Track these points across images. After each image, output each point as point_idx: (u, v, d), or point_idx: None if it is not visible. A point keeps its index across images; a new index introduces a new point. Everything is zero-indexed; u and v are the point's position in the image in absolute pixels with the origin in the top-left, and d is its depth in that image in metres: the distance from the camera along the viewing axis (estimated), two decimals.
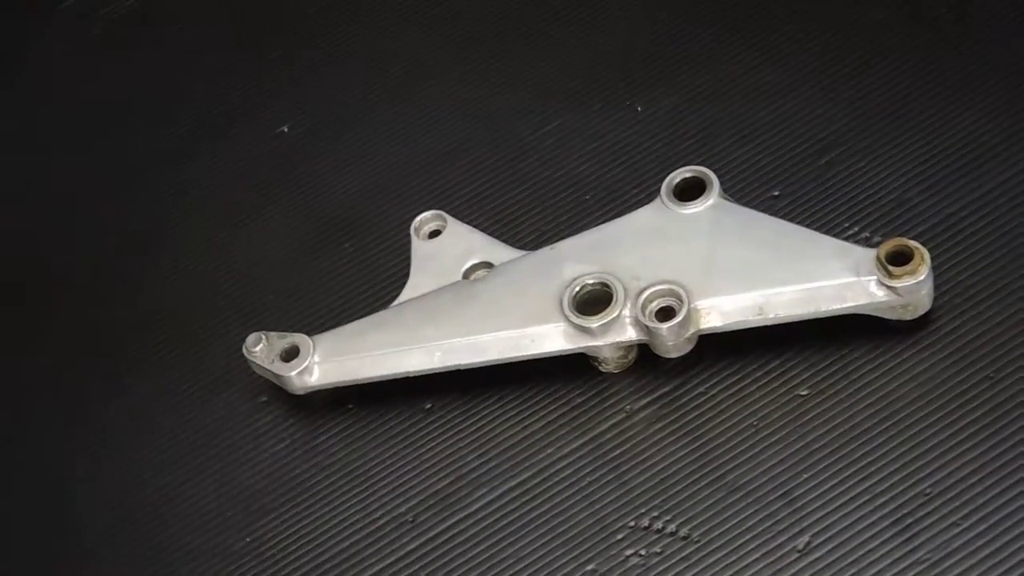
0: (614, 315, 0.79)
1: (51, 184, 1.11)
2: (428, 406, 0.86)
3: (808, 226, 0.82)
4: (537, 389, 0.84)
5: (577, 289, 0.81)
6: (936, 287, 0.78)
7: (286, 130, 1.06)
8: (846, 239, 0.83)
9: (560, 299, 0.81)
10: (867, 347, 0.79)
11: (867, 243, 0.82)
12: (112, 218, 1.06)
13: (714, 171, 0.83)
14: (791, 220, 0.84)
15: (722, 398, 0.80)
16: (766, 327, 0.78)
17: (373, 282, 0.94)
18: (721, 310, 0.78)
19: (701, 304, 0.79)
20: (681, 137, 0.95)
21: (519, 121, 1.00)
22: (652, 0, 1.04)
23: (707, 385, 0.81)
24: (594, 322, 0.80)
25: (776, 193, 0.89)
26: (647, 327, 0.78)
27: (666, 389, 0.82)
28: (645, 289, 0.80)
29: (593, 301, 0.81)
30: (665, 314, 0.79)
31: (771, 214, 0.85)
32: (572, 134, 0.98)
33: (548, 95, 1.01)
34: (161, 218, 1.05)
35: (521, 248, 0.88)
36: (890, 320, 0.78)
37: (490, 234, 0.91)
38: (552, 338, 0.81)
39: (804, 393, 0.79)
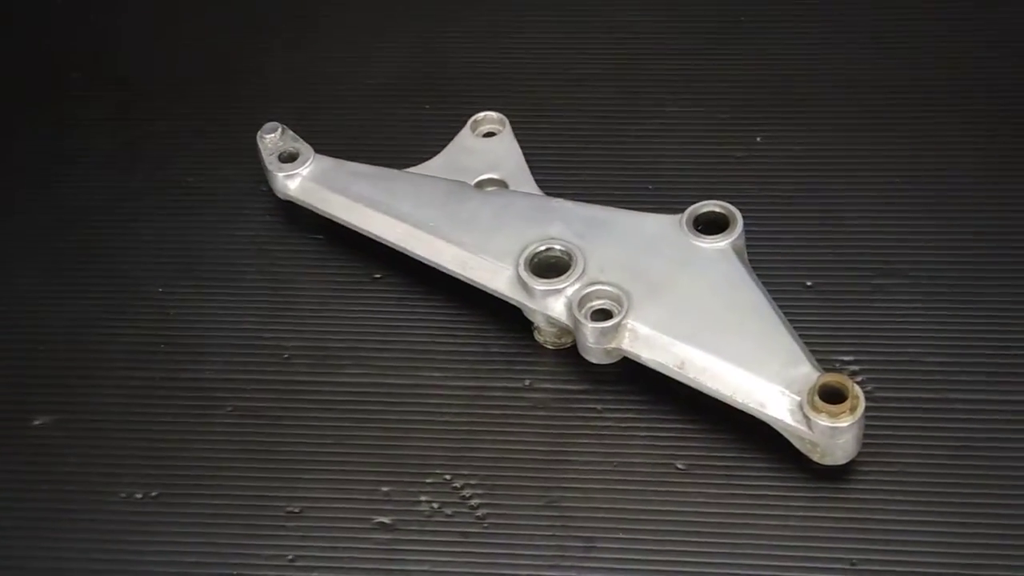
0: (557, 288, 0.76)
1: None
2: (377, 275, 0.86)
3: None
4: (470, 318, 0.82)
5: (542, 248, 0.78)
6: (874, 452, 0.72)
7: None
8: (829, 361, 0.77)
9: (523, 248, 0.78)
10: (773, 466, 0.73)
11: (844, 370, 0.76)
12: None
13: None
14: (800, 311, 0.79)
15: (601, 424, 0.76)
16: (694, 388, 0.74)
17: (424, 144, 0.92)
18: (648, 342, 0.74)
19: (636, 327, 0.74)
20: (774, 173, 0.90)
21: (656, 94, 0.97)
22: None
23: (592, 402, 0.77)
24: (537, 284, 0.77)
25: (809, 283, 0.83)
26: (575, 317, 0.75)
27: (558, 385, 0.78)
28: (598, 283, 0.76)
29: (550, 267, 0.78)
30: (599, 315, 0.75)
31: (791, 300, 0.80)
32: (680, 125, 0.94)
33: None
34: None
35: (545, 189, 0.86)
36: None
37: (539, 166, 0.89)
38: (497, 277, 0.79)
39: (680, 467, 0.74)
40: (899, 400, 0.76)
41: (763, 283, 0.81)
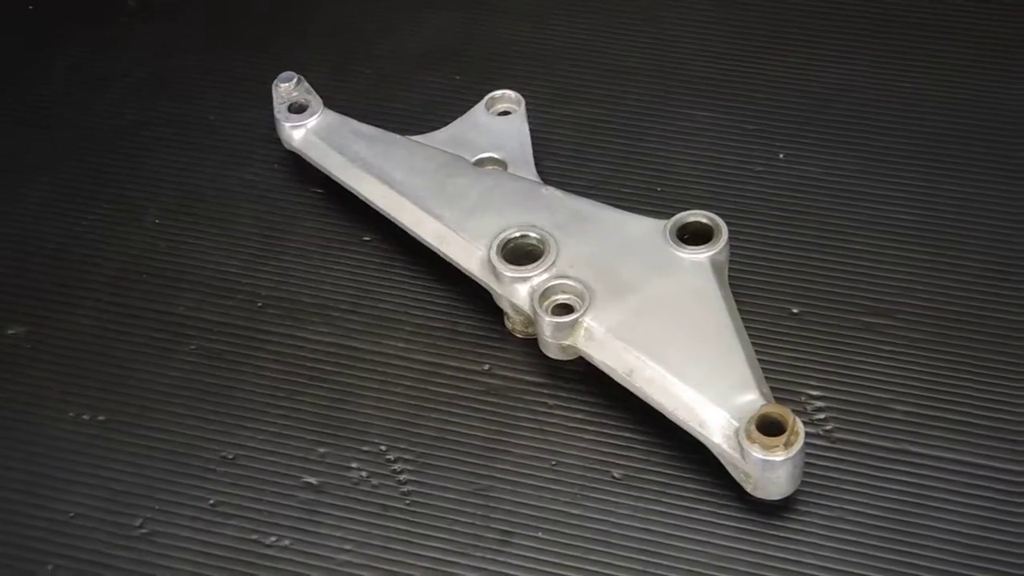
0: (524, 276, 0.75)
1: None
2: (367, 238, 0.86)
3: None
4: (445, 294, 0.82)
5: (517, 235, 0.77)
6: (817, 493, 0.69)
7: None
8: (794, 392, 0.74)
9: (499, 231, 0.77)
10: (709, 490, 0.71)
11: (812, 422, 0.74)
12: None
13: None
14: (779, 338, 0.77)
15: (547, 420, 0.75)
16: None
17: (445, 115, 0.90)
18: (601, 344, 0.72)
19: (593, 327, 0.72)
20: (787, 193, 0.86)
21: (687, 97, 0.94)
22: None
23: (545, 396, 0.76)
24: (505, 270, 0.75)
25: (795, 311, 0.80)
26: (535, 308, 0.74)
27: (516, 375, 0.77)
28: (565, 277, 0.74)
29: (524, 254, 0.76)
30: (559, 309, 0.74)
31: (773, 324, 0.78)
32: (704, 131, 0.91)
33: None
34: None
35: (545, 179, 0.84)
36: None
37: (552, 152, 0.88)
38: (470, 256, 0.78)
39: (616, 476, 0.72)
40: (856, 444, 0.73)
41: (749, 303, 0.80)
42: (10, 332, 0.82)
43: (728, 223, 0.79)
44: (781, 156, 0.89)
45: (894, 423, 0.74)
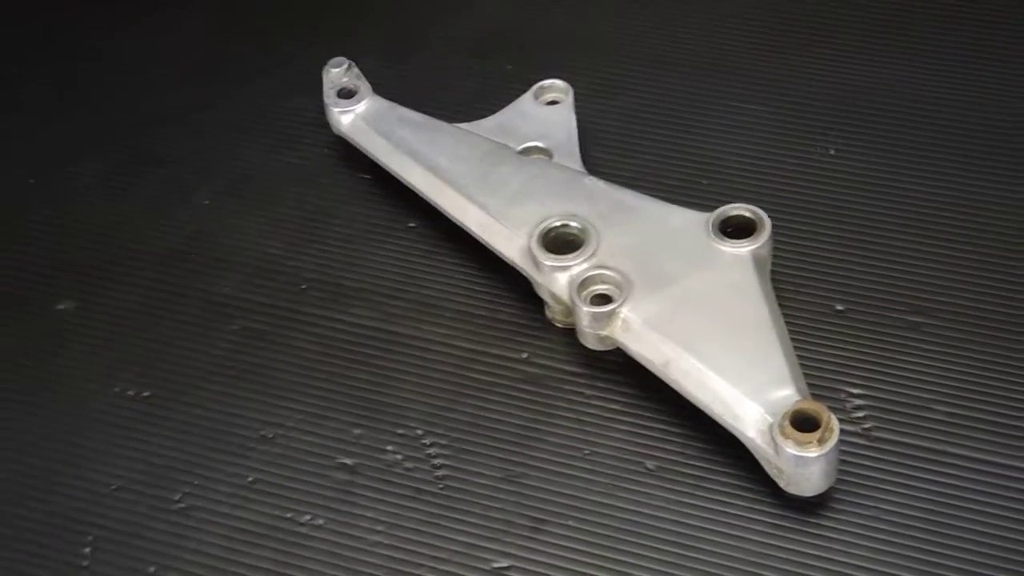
0: (564, 265, 0.75)
1: None
2: (412, 224, 0.86)
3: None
4: (487, 282, 0.82)
5: (558, 224, 0.77)
6: (853, 491, 0.69)
7: None
8: (835, 391, 0.74)
9: (541, 220, 0.77)
10: (743, 484, 0.71)
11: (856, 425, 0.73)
12: None
13: None
14: (822, 335, 0.76)
15: (583, 410, 0.75)
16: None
17: (494, 103, 0.90)
18: (638, 335, 0.72)
19: (631, 318, 0.72)
20: (836, 189, 0.85)
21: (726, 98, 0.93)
22: None
23: (582, 386, 0.76)
24: (545, 259, 0.75)
25: (839, 308, 0.79)
26: (573, 297, 0.74)
27: (554, 363, 0.77)
28: (605, 267, 0.74)
29: (565, 244, 0.76)
30: (598, 299, 0.74)
31: (816, 321, 0.77)
32: (754, 125, 0.90)
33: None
34: None
35: (590, 168, 0.84)
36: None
37: (599, 143, 0.88)
38: (512, 245, 0.78)
39: (650, 467, 0.72)
40: (895, 444, 0.72)
41: (793, 299, 0.79)
42: (59, 307, 0.83)
43: (774, 218, 0.78)
44: (832, 152, 0.88)
45: (934, 423, 0.73)
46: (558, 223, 0.77)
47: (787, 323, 0.75)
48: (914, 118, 0.90)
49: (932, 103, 0.90)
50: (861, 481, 0.71)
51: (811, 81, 0.93)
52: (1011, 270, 0.80)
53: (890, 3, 0.98)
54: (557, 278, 0.75)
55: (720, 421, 0.69)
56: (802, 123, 0.90)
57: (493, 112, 0.89)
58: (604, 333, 0.73)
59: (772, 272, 0.78)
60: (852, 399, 0.74)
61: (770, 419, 0.67)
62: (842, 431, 0.71)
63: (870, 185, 0.86)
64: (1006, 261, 0.80)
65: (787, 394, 0.68)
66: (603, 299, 0.74)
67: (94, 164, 0.93)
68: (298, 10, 1.04)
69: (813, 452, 0.65)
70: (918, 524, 0.69)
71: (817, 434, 0.65)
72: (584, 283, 0.74)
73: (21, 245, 0.88)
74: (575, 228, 0.77)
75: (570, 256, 0.75)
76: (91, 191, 0.91)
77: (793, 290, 0.80)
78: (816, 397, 0.70)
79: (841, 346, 0.77)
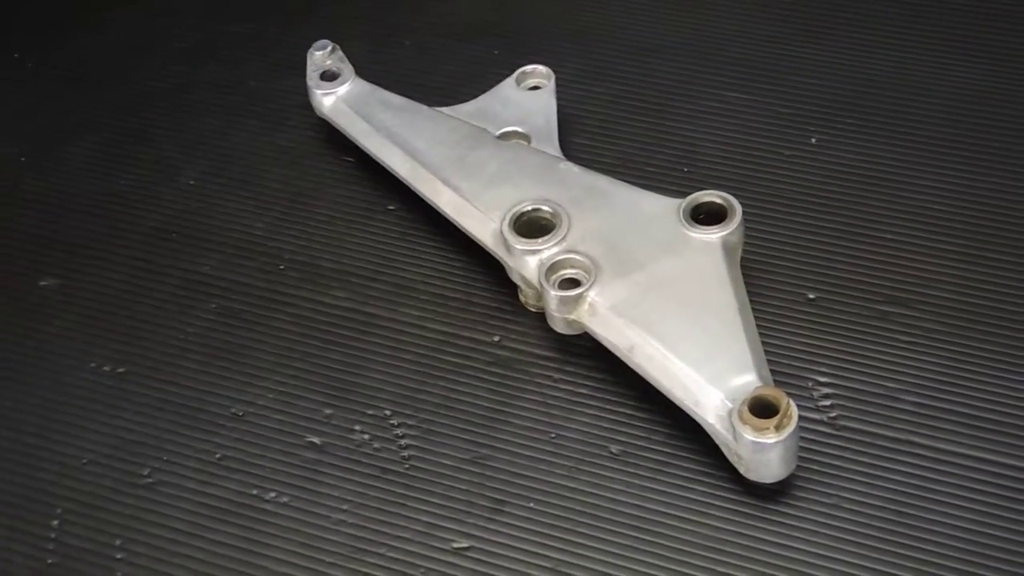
0: (534, 249, 0.75)
1: None
2: (391, 207, 0.87)
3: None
4: (462, 265, 0.82)
5: (530, 208, 0.77)
6: (815, 479, 0.68)
7: None
8: (802, 379, 0.74)
9: (514, 204, 0.77)
10: (706, 470, 0.71)
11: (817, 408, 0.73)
12: None
13: None
14: (793, 323, 0.76)
15: (551, 394, 0.75)
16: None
17: (478, 88, 0.90)
18: (604, 320, 0.72)
19: (597, 302, 0.73)
20: (816, 178, 0.85)
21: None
22: None
23: (551, 370, 0.76)
24: (516, 242, 0.76)
25: (812, 296, 0.79)
26: (542, 281, 0.74)
27: (525, 347, 0.77)
28: (574, 252, 0.74)
29: (537, 228, 0.77)
30: (566, 283, 0.74)
31: (788, 309, 0.77)
32: (737, 112, 0.90)
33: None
34: None
35: (572, 154, 0.84)
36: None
37: (582, 129, 0.88)
38: (484, 228, 0.78)
39: (614, 451, 0.73)
40: (860, 433, 0.72)
41: (766, 287, 0.79)
42: (42, 284, 0.85)
43: (753, 206, 0.78)
44: (813, 141, 0.88)
45: (901, 413, 0.73)
46: (530, 207, 0.77)
47: (758, 311, 0.75)
48: (897, 110, 0.89)
49: (915, 95, 0.90)
50: (824, 469, 0.71)
51: (795, 70, 0.93)
52: (992, 263, 0.80)
53: None
54: (527, 262, 0.76)
55: (682, 407, 0.69)
56: (785, 112, 0.90)
57: (477, 96, 0.90)
58: (572, 317, 0.74)
59: (746, 259, 0.78)
60: (820, 387, 0.74)
61: (730, 405, 0.67)
62: (807, 419, 0.72)
63: (850, 175, 0.86)
64: (988, 254, 0.80)
65: (748, 380, 0.68)
66: (571, 283, 0.74)
67: (85, 142, 0.94)
68: None
69: (771, 438, 0.65)
70: (879, 513, 0.69)
71: (775, 420, 0.65)
72: (553, 267, 0.75)
73: (8, 222, 0.89)
74: (547, 212, 0.77)
75: (540, 240, 0.76)
76: (79, 170, 0.92)
77: (767, 278, 0.80)
78: (783, 385, 0.70)
79: (811, 335, 0.77)
